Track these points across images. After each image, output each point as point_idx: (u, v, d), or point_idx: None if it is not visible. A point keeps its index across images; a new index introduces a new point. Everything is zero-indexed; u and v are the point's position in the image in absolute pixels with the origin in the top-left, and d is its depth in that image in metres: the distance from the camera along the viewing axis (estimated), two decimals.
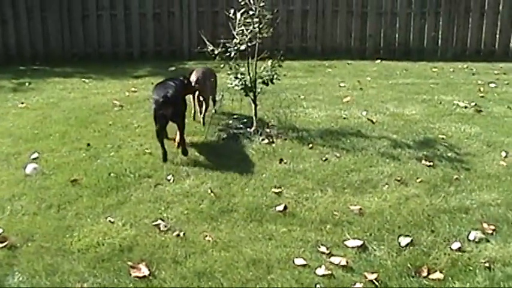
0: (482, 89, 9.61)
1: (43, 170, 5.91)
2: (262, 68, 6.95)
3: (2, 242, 4.58)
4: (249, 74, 6.81)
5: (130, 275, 4.15)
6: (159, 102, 6.07)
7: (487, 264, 4.34)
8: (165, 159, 6.05)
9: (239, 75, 6.78)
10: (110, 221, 4.91)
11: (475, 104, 8.47)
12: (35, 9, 12.08)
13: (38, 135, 7.03)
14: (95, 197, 5.34)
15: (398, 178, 5.77)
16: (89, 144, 6.59)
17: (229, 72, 6.87)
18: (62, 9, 12.17)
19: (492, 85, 9.96)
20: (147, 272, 4.16)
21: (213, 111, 7.32)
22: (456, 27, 12.86)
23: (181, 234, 4.70)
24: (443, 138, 6.97)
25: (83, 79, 10.53)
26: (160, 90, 6.30)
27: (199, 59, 10.02)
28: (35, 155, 6.31)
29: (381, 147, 6.53)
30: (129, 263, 4.26)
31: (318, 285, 4.07)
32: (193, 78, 6.97)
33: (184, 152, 6.15)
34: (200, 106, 7.19)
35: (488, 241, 4.69)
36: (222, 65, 6.94)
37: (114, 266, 4.26)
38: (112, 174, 5.77)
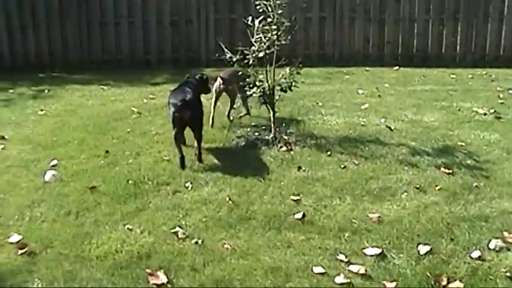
0: (501, 95, 9.54)
1: (62, 177, 5.94)
2: (280, 75, 6.94)
3: (21, 249, 4.60)
4: (267, 81, 6.80)
5: (148, 282, 4.15)
6: (177, 106, 6.09)
7: (508, 274, 4.30)
8: (182, 165, 6.06)
9: (257, 83, 6.77)
10: (128, 228, 4.91)
11: (494, 111, 8.41)
12: (54, 16, 12.16)
13: (56, 142, 7.08)
14: (113, 204, 5.36)
15: (417, 186, 5.74)
16: (107, 151, 6.61)
17: (248, 80, 6.87)
18: (81, 17, 12.24)
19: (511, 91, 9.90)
20: (165, 280, 4.16)
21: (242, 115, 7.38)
22: (475, 33, 12.76)
23: (200, 241, 4.70)
24: (462, 146, 6.92)
25: (101, 86, 10.58)
26: (178, 94, 6.33)
27: (218, 66, 10.02)
28: (54, 162, 6.34)
29: (399, 154, 6.50)
30: (148, 271, 4.26)
31: None
32: (219, 79, 7.00)
33: (200, 159, 6.17)
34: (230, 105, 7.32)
35: (509, 250, 4.65)
36: (240, 72, 6.94)
37: (133, 273, 4.27)
38: (130, 181, 5.78)
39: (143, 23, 12.39)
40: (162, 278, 4.17)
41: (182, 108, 6.07)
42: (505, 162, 6.41)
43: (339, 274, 4.27)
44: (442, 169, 6.14)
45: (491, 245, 4.68)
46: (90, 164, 6.32)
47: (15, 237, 4.76)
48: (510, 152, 6.71)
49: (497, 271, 4.34)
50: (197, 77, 6.93)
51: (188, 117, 6.11)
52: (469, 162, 6.40)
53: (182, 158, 6.08)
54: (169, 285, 4.12)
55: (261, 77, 6.81)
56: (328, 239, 4.79)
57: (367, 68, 12.10)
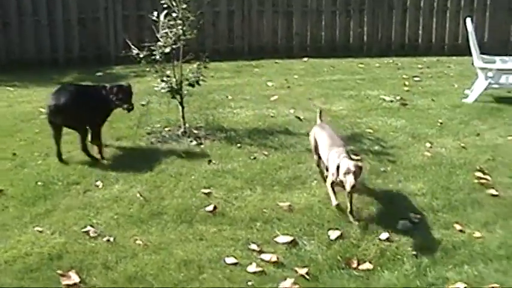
0: (407, 83, 9.90)
1: None
2: (188, 70, 6.95)
3: None
4: (175, 76, 6.80)
5: (60, 283, 4.09)
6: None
7: (414, 252, 4.48)
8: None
9: (165, 78, 6.76)
10: (38, 230, 4.82)
11: (401, 98, 8.72)
12: None
13: None
14: (22, 206, 5.24)
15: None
16: (14, 154, 6.46)
17: (155, 75, 6.85)
18: None
19: (416, 79, 10.28)
20: (77, 280, 4.11)
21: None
22: (381, 24, 13.16)
23: (112, 239, 4.67)
24: (370, 132, 7.14)
25: (7, 87, 10.28)
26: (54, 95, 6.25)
27: (126, 63, 9.97)
28: None
29: (309, 144, 6.61)
30: (59, 272, 4.19)
31: (249, 283, 4.11)
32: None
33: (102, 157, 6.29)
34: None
35: (415, 230, 4.84)
36: (148, 69, 6.91)
37: (43, 276, 4.19)
38: (39, 183, 5.67)
39: (49, 21, 12.09)
40: (74, 278, 4.11)
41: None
42: (410, 147, 6.65)
43: (251, 263, 4.34)
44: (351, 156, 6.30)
45: (399, 226, 4.86)
46: None
47: None
48: (415, 137, 6.99)
49: (405, 251, 4.52)
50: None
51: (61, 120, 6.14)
52: (376, 148, 6.61)
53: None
54: (81, 285, 4.08)
55: (168, 72, 6.80)
56: (240, 229, 4.85)
57: (276, 61, 12.24)
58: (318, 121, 5.88)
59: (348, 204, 5.01)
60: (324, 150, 5.39)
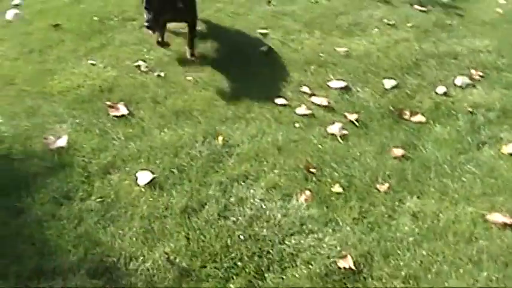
0: None
1: (25, 16, 5.77)
2: None
3: None
4: None
5: (108, 114, 4.12)
6: None
7: (470, 109, 4.32)
8: None
9: None
10: (91, 63, 4.82)
11: None
12: None
13: None
14: (78, 40, 5.23)
15: (389, 22, 5.66)
16: None
17: None
18: None
19: None
20: (125, 111, 4.13)
21: None
22: None
23: (162, 74, 4.65)
24: None
25: None
26: None
27: None
28: (17, 1, 6.14)
29: None
30: (108, 103, 4.22)
31: (296, 124, 4.04)
32: None
33: None
34: None
35: (474, 87, 4.66)
36: None
37: (93, 107, 4.23)
38: (95, 18, 5.62)
39: None
40: (123, 110, 4.14)
41: None
42: (481, 2, 6.27)
43: (300, 105, 4.26)
44: (416, 6, 6.03)
45: (457, 82, 4.68)
46: (55, 2, 6.11)
47: None
48: None
49: (460, 106, 4.37)
50: None
51: None
52: (444, 0, 6.26)
53: None
54: (129, 116, 4.10)
55: None
56: (293, 71, 4.75)
57: None
58: None
59: None
60: None
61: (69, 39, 5.26)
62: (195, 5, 4.98)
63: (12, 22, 5.65)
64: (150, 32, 4.71)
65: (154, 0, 4.54)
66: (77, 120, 4.07)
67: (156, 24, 4.64)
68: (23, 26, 5.58)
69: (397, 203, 3.35)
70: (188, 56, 4.92)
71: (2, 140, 3.88)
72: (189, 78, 4.59)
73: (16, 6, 6.00)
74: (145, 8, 4.56)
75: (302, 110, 4.21)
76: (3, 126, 4.03)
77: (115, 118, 4.08)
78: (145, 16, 4.57)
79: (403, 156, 3.75)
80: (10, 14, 5.75)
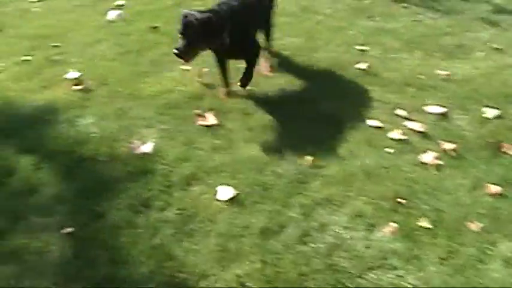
0: None
1: (126, 16, 5.83)
2: None
3: (78, 85, 4.60)
4: None
5: (196, 123, 4.07)
6: None
7: None
8: None
9: None
10: (184, 69, 4.78)
11: None
12: None
13: None
14: (174, 44, 5.20)
15: (496, 46, 5.33)
16: None
17: None
18: None
19: None
20: (214, 121, 4.08)
21: None
22: None
23: (255, 88, 4.52)
24: None
25: None
26: None
27: None
28: (121, 1, 6.21)
29: (481, 11, 6.04)
30: (196, 111, 4.17)
31: (387, 149, 3.84)
32: None
33: None
34: None
35: None
36: None
37: (182, 114, 4.21)
38: None
39: None
40: (211, 120, 4.08)
41: None
42: None
43: (394, 129, 4.05)
44: None
45: None
46: (157, 4, 6.16)
47: (72, 74, 4.76)
48: None
49: None
50: None
51: None
52: None
53: None
54: (217, 127, 4.02)
55: None
56: (390, 92, 4.53)
57: None
58: None
59: None
60: None
61: (165, 42, 5.27)
62: (253, 41, 4.46)
63: (113, 22, 5.72)
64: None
65: (190, 26, 3.98)
66: (164, 126, 4.06)
67: (187, 53, 4.02)
68: (122, 26, 5.65)
69: (488, 246, 3.10)
70: (238, 83, 4.39)
71: (89, 141, 3.90)
72: (279, 93, 4.49)
73: (119, 6, 6.08)
74: (180, 33, 4.02)
75: (395, 134, 4.00)
76: (93, 127, 4.06)
77: (202, 127, 4.02)
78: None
79: (499, 194, 3.49)
80: (112, 14, 5.82)
